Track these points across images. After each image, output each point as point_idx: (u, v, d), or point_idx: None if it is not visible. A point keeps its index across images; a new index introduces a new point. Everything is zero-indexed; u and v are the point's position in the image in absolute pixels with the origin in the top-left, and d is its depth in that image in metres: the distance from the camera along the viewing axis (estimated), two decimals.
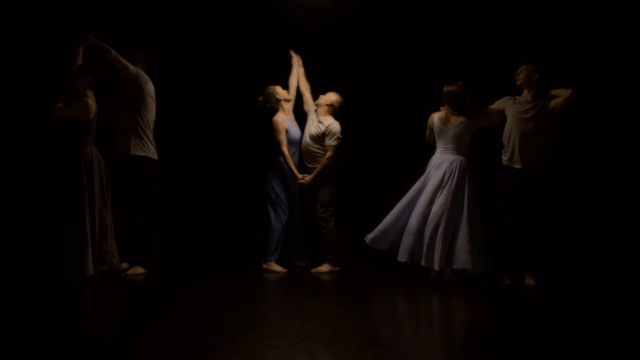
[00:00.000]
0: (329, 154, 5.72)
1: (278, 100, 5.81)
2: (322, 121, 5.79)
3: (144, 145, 5.32)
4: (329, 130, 5.72)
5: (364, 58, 7.07)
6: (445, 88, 5.39)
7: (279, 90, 5.84)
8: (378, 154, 7.11)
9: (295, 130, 5.86)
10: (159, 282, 5.17)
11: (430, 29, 6.84)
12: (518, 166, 5.15)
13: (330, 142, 5.72)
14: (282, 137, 5.72)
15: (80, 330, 3.76)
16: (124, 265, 5.42)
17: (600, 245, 6.16)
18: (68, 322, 3.97)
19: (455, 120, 5.35)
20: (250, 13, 6.96)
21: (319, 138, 5.76)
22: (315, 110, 5.89)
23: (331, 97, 5.83)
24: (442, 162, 5.34)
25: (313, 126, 5.82)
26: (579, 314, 4.33)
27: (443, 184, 5.26)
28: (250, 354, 3.10)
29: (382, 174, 7.08)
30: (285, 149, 5.73)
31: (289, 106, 5.91)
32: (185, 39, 6.98)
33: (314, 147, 5.78)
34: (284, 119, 5.80)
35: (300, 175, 5.72)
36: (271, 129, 5.79)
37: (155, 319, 3.99)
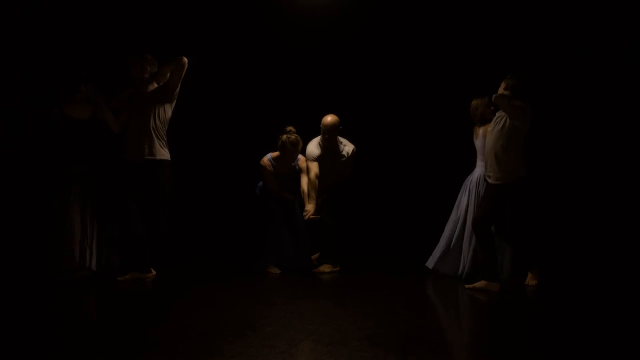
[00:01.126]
0: (345, 179, 5.83)
1: (284, 149, 5.64)
2: (345, 154, 5.82)
3: (164, 148, 5.29)
4: (351, 154, 5.80)
5: (363, 59, 7.08)
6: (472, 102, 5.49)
7: (292, 148, 5.60)
8: (378, 155, 7.12)
9: (283, 176, 5.75)
10: (159, 282, 5.17)
11: (431, 29, 6.85)
12: (490, 180, 5.05)
13: (350, 168, 5.82)
14: (271, 186, 5.69)
15: (79, 331, 3.76)
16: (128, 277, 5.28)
17: (600, 245, 6.17)
18: (66, 323, 3.96)
19: (477, 132, 5.47)
20: (251, 13, 6.97)
21: (343, 164, 5.82)
22: (324, 143, 5.78)
23: (334, 123, 5.70)
24: (472, 174, 5.54)
25: (337, 160, 5.80)
26: (578, 314, 4.32)
27: (469, 198, 5.46)
28: (250, 354, 3.10)
29: (382, 175, 7.10)
30: (278, 192, 5.69)
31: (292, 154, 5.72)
32: (186, 39, 6.98)
33: (335, 174, 5.81)
34: (272, 163, 5.70)
35: (306, 210, 5.59)
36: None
37: (155, 319, 3.99)
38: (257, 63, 7.10)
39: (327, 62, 6.98)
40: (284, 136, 5.62)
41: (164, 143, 5.31)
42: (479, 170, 5.43)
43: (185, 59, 5.25)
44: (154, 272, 5.31)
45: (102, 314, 4.39)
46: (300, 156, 5.76)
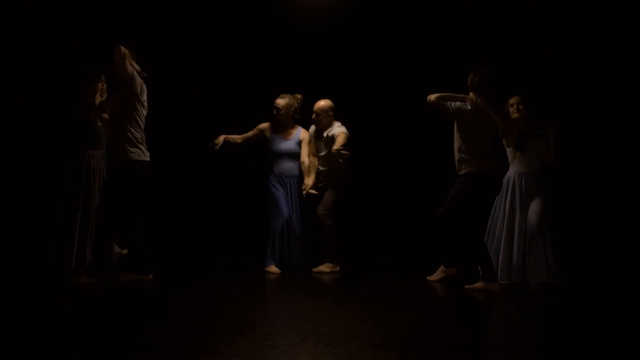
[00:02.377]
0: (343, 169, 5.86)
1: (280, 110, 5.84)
2: (332, 135, 5.82)
3: (136, 148, 4.98)
4: (339, 134, 5.80)
5: (363, 58, 7.07)
6: None
7: (284, 103, 5.85)
8: (379, 155, 7.10)
9: (284, 144, 5.88)
10: (159, 282, 5.16)
11: (431, 28, 6.85)
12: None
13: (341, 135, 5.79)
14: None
15: (79, 330, 3.75)
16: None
17: (603, 245, 6.17)
18: (66, 323, 3.96)
19: None
20: (249, 13, 6.97)
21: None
22: (317, 130, 5.94)
23: (324, 106, 5.84)
24: (507, 175, 5.37)
25: (326, 143, 5.87)
26: (579, 314, 4.32)
27: (506, 197, 5.30)
28: (250, 354, 3.10)
29: (383, 175, 7.09)
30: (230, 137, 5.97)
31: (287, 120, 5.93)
32: (184, 38, 6.98)
33: (331, 160, 5.85)
34: (272, 129, 5.93)
35: (305, 184, 5.73)
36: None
37: (155, 319, 3.99)
38: (257, 63, 7.09)
39: (326, 62, 6.97)
40: (288, 97, 5.84)
41: (136, 142, 4.97)
42: (511, 171, 5.25)
43: (119, 47, 4.85)
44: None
45: (103, 314, 4.39)
46: (301, 128, 5.91)
